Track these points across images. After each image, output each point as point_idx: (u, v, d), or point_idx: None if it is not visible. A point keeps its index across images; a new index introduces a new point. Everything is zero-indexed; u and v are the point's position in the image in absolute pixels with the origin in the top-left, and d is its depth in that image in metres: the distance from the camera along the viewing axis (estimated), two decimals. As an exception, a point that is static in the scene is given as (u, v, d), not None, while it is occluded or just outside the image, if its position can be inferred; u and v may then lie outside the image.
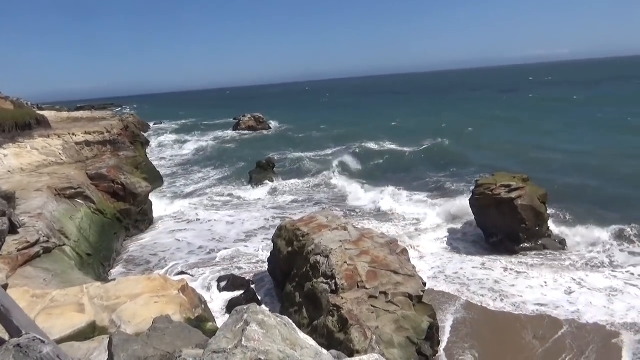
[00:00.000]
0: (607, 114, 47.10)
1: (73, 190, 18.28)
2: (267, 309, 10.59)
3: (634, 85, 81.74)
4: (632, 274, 14.36)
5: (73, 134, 25.17)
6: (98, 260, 16.08)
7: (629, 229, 17.08)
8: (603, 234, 17.14)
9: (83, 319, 7.80)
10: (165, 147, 50.28)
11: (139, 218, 21.13)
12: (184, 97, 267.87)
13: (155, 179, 29.38)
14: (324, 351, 2.56)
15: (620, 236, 16.93)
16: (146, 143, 33.98)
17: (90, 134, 25.89)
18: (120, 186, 20.77)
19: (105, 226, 18.47)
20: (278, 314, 2.63)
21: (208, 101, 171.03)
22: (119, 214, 20.02)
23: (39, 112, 36.43)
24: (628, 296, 13.03)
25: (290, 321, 2.64)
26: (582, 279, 14.28)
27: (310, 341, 2.58)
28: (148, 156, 34.49)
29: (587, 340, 11.22)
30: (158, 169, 32.95)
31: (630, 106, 51.05)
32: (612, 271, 14.74)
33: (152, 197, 22.99)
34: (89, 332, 7.59)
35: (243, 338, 2.26)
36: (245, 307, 2.58)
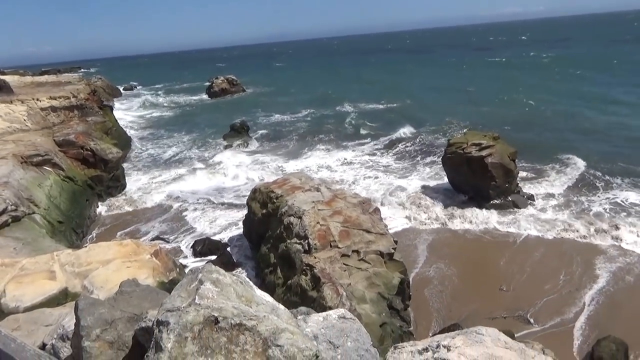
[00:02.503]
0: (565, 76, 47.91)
1: (40, 158, 17.83)
2: (241, 270, 10.66)
3: (597, 46, 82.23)
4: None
5: (37, 100, 24.25)
6: (70, 227, 15.91)
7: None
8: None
9: (54, 286, 7.80)
10: (137, 111, 49.07)
11: (111, 184, 20.83)
12: (152, 59, 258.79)
13: (126, 144, 28.80)
14: (281, 306, 2.64)
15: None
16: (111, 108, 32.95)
17: (55, 99, 24.98)
18: (89, 152, 20.32)
19: (76, 193, 18.17)
20: (234, 273, 2.69)
21: (178, 63, 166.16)
22: (90, 181, 19.69)
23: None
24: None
25: (247, 279, 2.70)
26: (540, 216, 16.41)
27: (267, 297, 2.65)
28: (118, 121, 33.60)
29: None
30: (129, 135, 32.28)
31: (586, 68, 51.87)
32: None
33: (126, 163, 22.62)
34: (61, 298, 7.60)
35: (196, 296, 2.31)
36: (200, 267, 2.62)
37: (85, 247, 10.48)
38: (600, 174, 19.06)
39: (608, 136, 24.62)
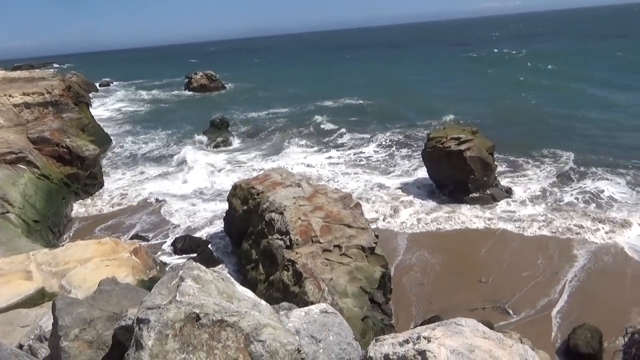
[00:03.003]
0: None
1: (14, 155, 17.43)
2: (223, 266, 10.60)
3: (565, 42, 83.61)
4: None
5: (10, 96, 23.58)
6: (46, 226, 15.60)
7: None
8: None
9: (31, 286, 7.64)
10: (114, 107, 48.19)
11: (89, 182, 20.47)
12: (126, 55, 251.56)
13: (103, 141, 28.30)
14: (263, 302, 2.64)
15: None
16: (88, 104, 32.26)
17: (29, 95, 24.34)
18: (65, 150, 19.92)
19: (52, 191, 17.82)
20: (215, 269, 2.68)
21: (153, 59, 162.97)
22: (66, 179, 19.32)
23: (-30, 72, 33.86)
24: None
25: (228, 275, 2.69)
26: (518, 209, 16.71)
27: (248, 293, 2.65)
28: (95, 118, 32.91)
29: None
30: (107, 131, 31.69)
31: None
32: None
33: (104, 160, 22.24)
34: (38, 298, 7.45)
35: (177, 294, 2.29)
36: (181, 264, 2.61)
37: (62, 246, 10.29)
38: (576, 167, 19.56)
39: (583, 129, 25.30)
